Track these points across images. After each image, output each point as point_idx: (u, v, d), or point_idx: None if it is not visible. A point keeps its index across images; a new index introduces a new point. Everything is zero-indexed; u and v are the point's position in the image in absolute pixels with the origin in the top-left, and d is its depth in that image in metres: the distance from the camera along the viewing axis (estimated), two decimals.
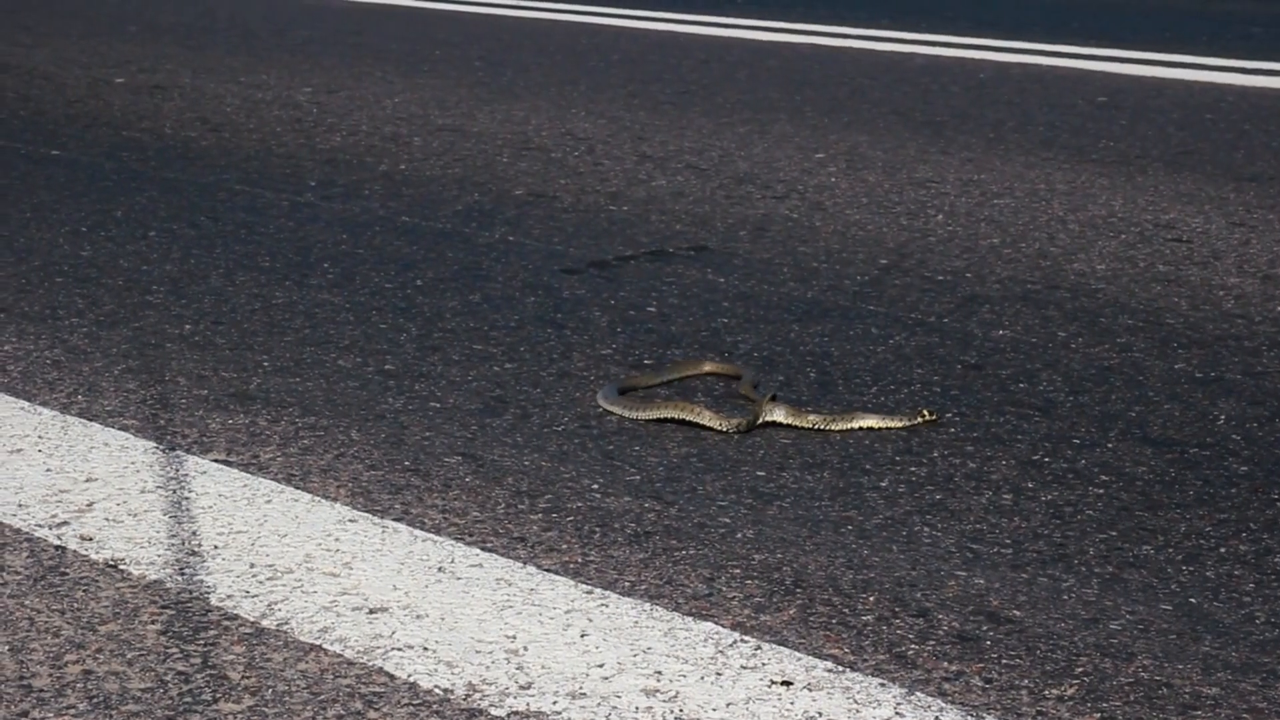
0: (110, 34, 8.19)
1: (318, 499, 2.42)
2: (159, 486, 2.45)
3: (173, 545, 2.24)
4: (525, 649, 1.95)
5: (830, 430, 2.77)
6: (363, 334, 3.29)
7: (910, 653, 1.98)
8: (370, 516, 2.35)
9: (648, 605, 2.08)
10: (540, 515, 2.38)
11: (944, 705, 1.84)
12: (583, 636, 1.98)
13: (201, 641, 1.96)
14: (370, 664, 1.91)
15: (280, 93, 6.31)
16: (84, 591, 2.10)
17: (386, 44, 7.82)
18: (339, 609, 2.05)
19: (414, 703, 1.83)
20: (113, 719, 1.79)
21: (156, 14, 9.12)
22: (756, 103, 6.24)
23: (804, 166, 5.04)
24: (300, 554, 2.21)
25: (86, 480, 2.47)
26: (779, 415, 2.79)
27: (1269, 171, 5.03)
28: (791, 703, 1.83)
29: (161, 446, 2.63)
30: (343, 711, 1.81)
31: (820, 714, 1.81)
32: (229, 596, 2.08)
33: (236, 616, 2.03)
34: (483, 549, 2.25)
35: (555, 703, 1.82)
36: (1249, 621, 2.09)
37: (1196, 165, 5.11)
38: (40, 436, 2.66)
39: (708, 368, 3.08)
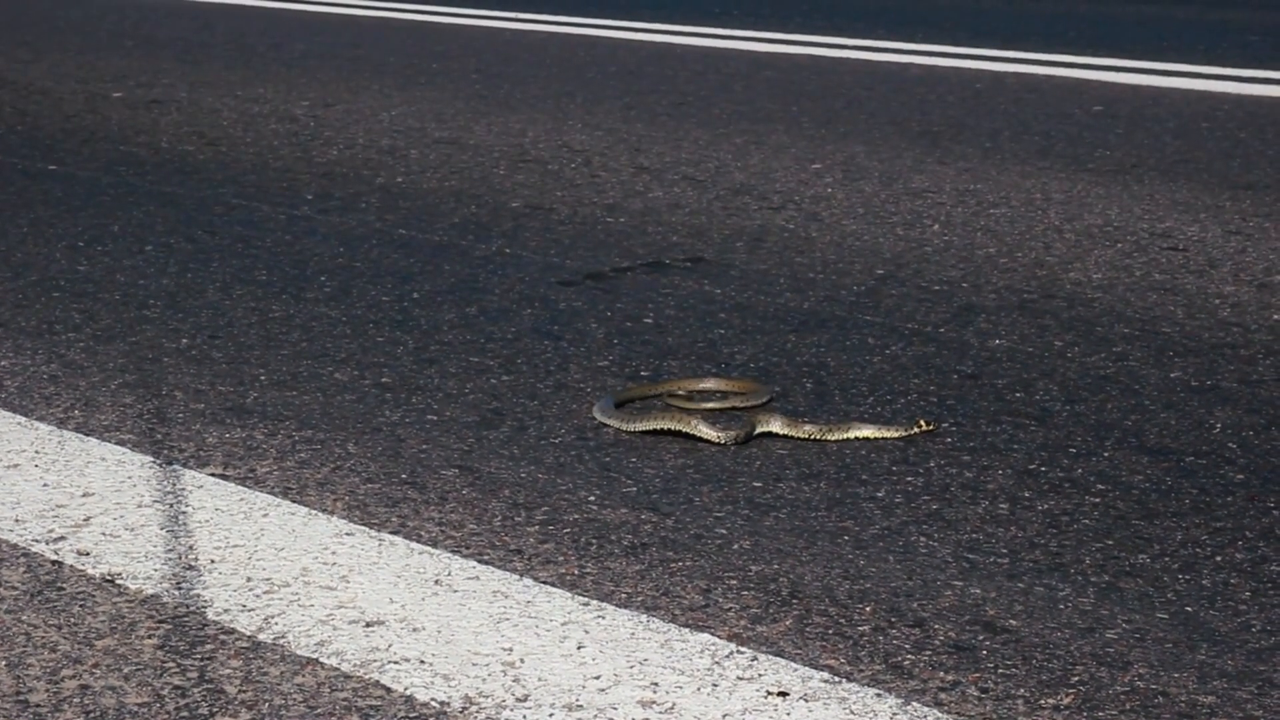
0: (107, 49, 8.20)
1: (314, 512, 2.42)
2: (156, 501, 2.45)
3: (170, 559, 2.24)
4: (522, 661, 1.95)
5: (826, 441, 2.77)
6: (359, 347, 3.29)
7: (906, 663, 1.98)
8: (367, 529, 2.35)
9: (644, 617, 2.08)
10: (537, 527, 2.39)
11: (940, 715, 1.85)
12: (579, 648, 1.99)
13: (198, 655, 1.97)
14: (367, 677, 1.91)
15: (277, 106, 6.32)
16: (81, 606, 2.10)
17: (384, 57, 7.83)
18: (336, 622, 2.05)
19: (410, 715, 1.83)
20: None
21: (154, 29, 9.12)
22: (753, 114, 6.25)
23: (800, 177, 5.05)
24: (297, 567, 2.21)
25: (83, 495, 2.47)
26: (775, 426, 2.79)
27: (1265, 180, 5.04)
28: (788, 714, 1.84)
29: (158, 461, 2.63)
30: None
31: None
32: (226, 610, 2.08)
33: (233, 630, 2.03)
34: (479, 561, 2.25)
35: (552, 714, 1.83)
36: (1245, 630, 2.09)
37: (1192, 174, 5.12)
38: (37, 451, 2.66)
39: (710, 384, 3.07)
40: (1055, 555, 2.32)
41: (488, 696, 1.86)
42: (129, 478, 2.55)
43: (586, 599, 2.13)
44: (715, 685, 1.90)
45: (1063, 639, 2.05)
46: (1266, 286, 3.78)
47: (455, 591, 2.14)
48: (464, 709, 1.84)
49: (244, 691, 1.88)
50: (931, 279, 3.83)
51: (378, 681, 1.90)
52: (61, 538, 2.31)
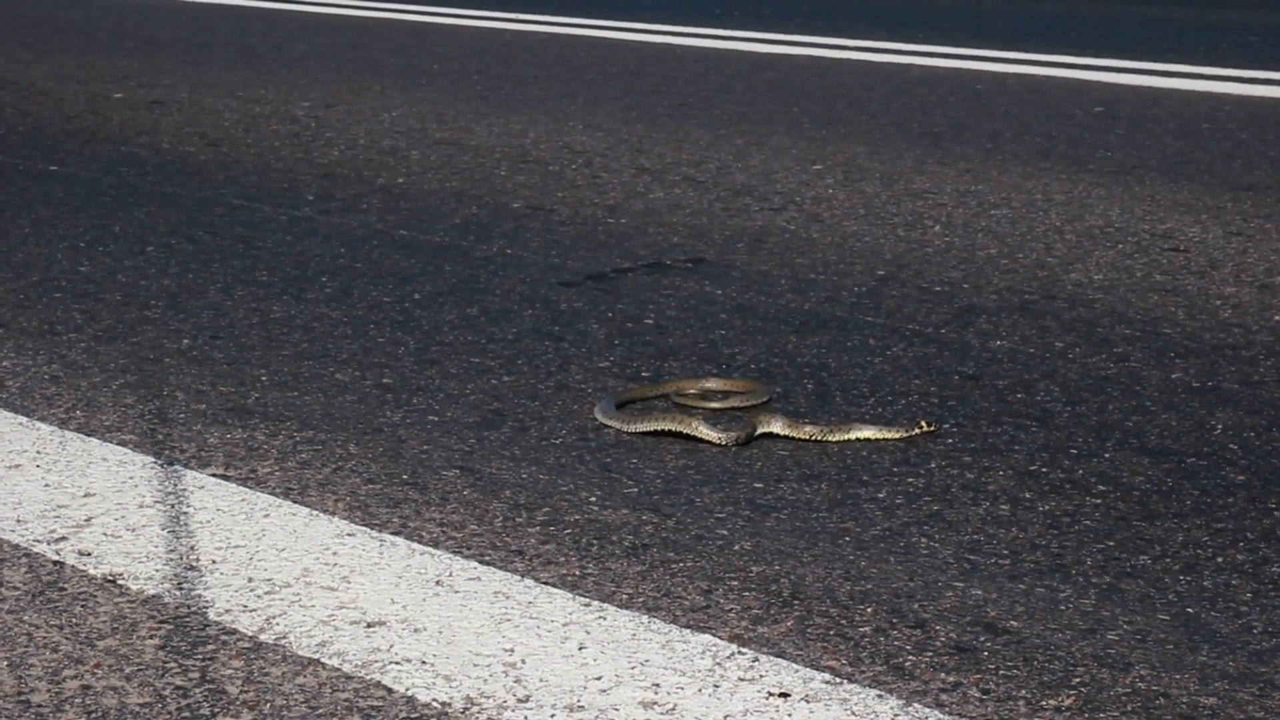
0: (109, 49, 8.20)
1: (316, 513, 2.42)
2: (157, 501, 2.45)
3: (171, 560, 2.24)
4: (523, 662, 1.95)
5: (828, 441, 2.77)
6: (360, 348, 3.29)
7: (908, 664, 1.98)
8: (368, 530, 2.35)
9: (645, 617, 2.08)
10: (538, 528, 2.39)
11: (942, 716, 1.85)
12: (580, 649, 1.99)
13: (200, 656, 1.97)
14: (368, 678, 1.91)
15: (278, 107, 6.32)
16: (82, 607, 2.10)
17: (384, 58, 7.83)
18: (337, 623, 2.05)
19: (412, 716, 1.83)
20: None
21: (155, 29, 9.13)
22: (754, 115, 6.25)
23: (801, 178, 5.05)
24: (298, 568, 2.22)
25: (85, 495, 2.47)
26: (776, 427, 2.79)
27: (1266, 181, 5.04)
28: (789, 715, 1.84)
29: (160, 461, 2.63)
30: None
31: None
32: (227, 611, 2.08)
33: (235, 631, 2.03)
34: (481, 562, 2.25)
35: (553, 715, 1.83)
36: (1246, 631, 2.09)
37: (1193, 175, 5.12)
38: (39, 452, 2.66)
39: (713, 384, 3.07)
40: (1056, 556, 2.32)
41: (489, 697, 1.87)
42: (130, 478, 2.55)
43: (588, 600, 2.13)
44: (717, 686, 1.90)
45: (1064, 640, 2.05)
46: (1268, 287, 3.78)
47: (456, 592, 2.14)
48: (465, 710, 1.84)
49: (246, 692, 1.88)
50: (932, 280, 3.84)
51: (379, 682, 1.90)
52: (63, 538, 2.31)
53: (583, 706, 1.85)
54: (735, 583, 2.21)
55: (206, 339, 3.35)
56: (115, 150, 5.45)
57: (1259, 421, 2.90)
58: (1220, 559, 2.32)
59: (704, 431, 2.75)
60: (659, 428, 2.78)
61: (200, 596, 2.13)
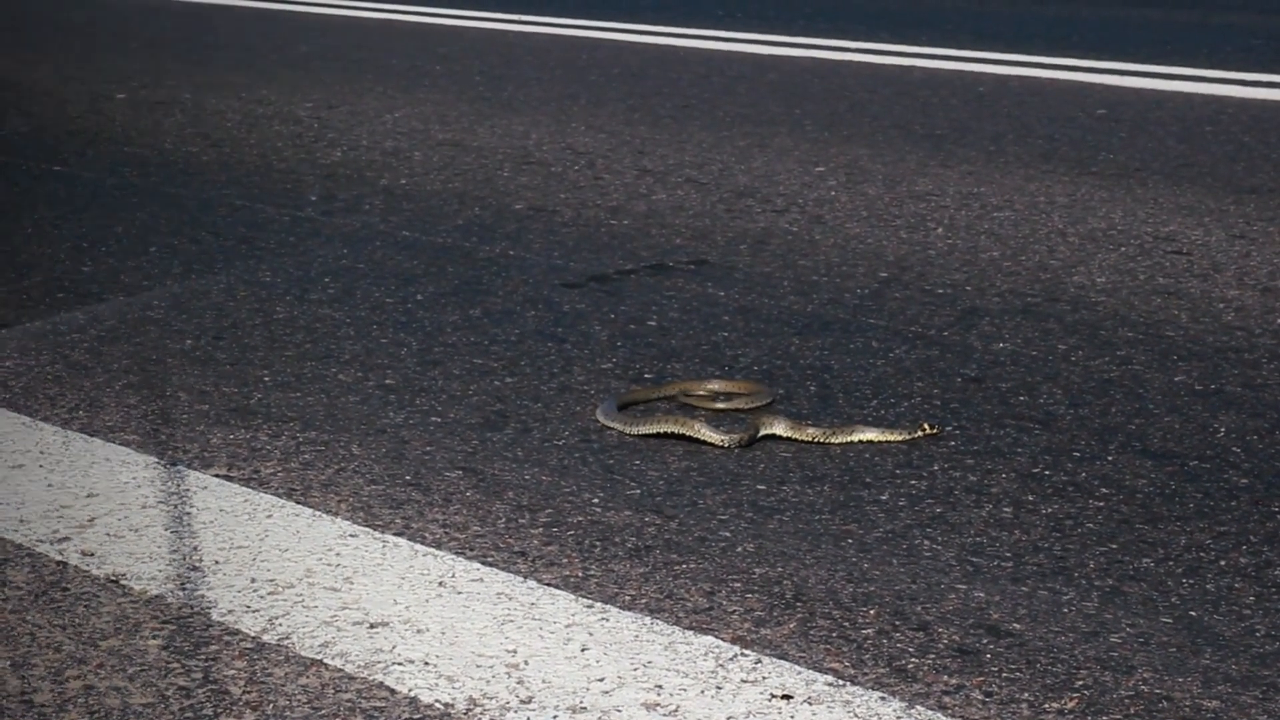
0: (111, 50, 8.21)
1: (319, 514, 2.42)
2: (160, 502, 2.45)
3: (174, 560, 2.24)
4: (526, 663, 1.95)
5: (830, 444, 2.77)
6: (363, 348, 3.29)
7: (910, 666, 1.98)
8: (371, 531, 2.35)
9: (648, 619, 2.08)
10: (541, 529, 2.39)
11: (944, 719, 1.85)
12: (583, 650, 1.99)
13: (203, 657, 1.97)
14: (371, 679, 1.91)
15: (281, 108, 6.32)
16: (85, 607, 2.10)
17: (387, 59, 7.83)
18: (340, 624, 2.05)
19: (415, 717, 1.83)
20: None
21: (158, 30, 9.14)
22: (756, 116, 6.25)
23: (804, 180, 5.05)
24: (301, 569, 2.22)
25: (88, 496, 2.47)
26: (779, 429, 2.79)
27: (1269, 184, 5.04)
28: (792, 717, 1.84)
29: (162, 462, 2.63)
30: None
31: None
32: (230, 611, 2.08)
33: (238, 631, 2.03)
34: (483, 563, 2.25)
35: (556, 717, 1.83)
36: (1249, 634, 2.09)
37: (1196, 178, 5.11)
38: (42, 452, 2.66)
39: (715, 386, 3.07)
40: (1059, 559, 2.32)
41: (492, 698, 1.87)
42: (133, 479, 2.55)
43: (590, 601, 2.13)
44: (719, 688, 1.90)
45: (1067, 643, 2.05)
46: (1271, 290, 3.78)
47: (459, 593, 2.14)
48: (468, 711, 1.84)
49: (248, 693, 1.88)
50: (935, 282, 3.83)
51: (382, 683, 1.90)
52: (66, 538, 2.31)
53: (585, 708, 1.85)
54: (738, 584, 2.21)
55: (209, 339, 3.35)
56: (118, 151, 5.45)
57: (1262, 424, 2.90)
58: (1223, 562, 2.32)
59: (706, 433, 2.75)
60: (661, 429, 2.78)
61: (203, 597, 2.13)
